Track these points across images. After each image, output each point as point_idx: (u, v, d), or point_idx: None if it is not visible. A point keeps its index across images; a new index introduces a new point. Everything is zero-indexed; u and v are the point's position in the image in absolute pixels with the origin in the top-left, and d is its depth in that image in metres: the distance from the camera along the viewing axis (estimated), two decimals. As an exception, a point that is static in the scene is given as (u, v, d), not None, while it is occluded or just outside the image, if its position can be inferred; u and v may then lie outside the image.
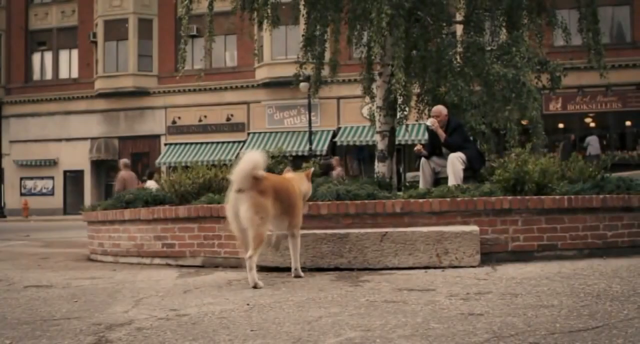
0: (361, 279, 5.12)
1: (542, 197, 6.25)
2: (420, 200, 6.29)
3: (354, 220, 6.23)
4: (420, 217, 6.17)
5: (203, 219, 6.68)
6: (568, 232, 6.22)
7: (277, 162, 9.46)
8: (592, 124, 28.71)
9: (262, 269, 5.92)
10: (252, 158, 4.78)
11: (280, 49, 29.57)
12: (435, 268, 5.56)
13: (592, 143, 25.77)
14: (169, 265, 6.86)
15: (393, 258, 5.73)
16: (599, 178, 7.11)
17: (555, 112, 28.22)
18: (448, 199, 6.28)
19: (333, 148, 29.43)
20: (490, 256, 6.00)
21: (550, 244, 6.17)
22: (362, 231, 5.89)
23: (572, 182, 7.52)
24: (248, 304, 3.98)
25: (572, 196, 6.29)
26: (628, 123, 28.51)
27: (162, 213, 6.98)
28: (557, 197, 6.26)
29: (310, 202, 6.47)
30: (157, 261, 7.06)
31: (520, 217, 6.14)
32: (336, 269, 5.78)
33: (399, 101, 10.84)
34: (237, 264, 6.38)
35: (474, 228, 5.83)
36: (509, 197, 6.21)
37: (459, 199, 6.24)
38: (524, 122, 11.44)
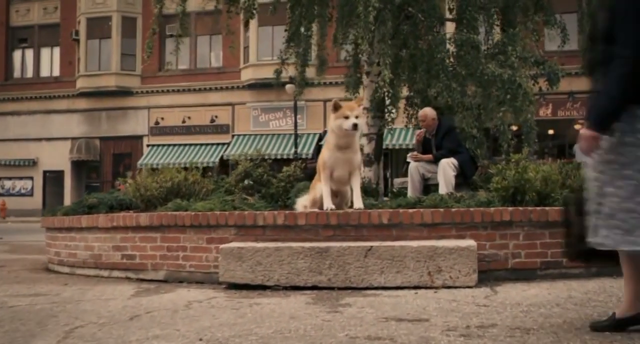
0: (342, 302, 4.42)
1: (547, 208, 5.58)
2: (410, 210, 5.60)
3: (336, 232, 5.51)
4: (410, 229, 5.47)
5: (167, 228, 5.95)
6: (574, 248, 5.55)
7: (255, 166, 8.80)
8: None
9: (230, 286, 5.24)
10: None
11: (266, 50, 28.84)
12: (426, 288, 4.88)
13: (578, 150, 25.17)
14: (128, 279, 6.13)
15: (379, 276, 5.04)
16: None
17: (545, 118, 27.69)
18: (441, 209, 5.59)
19: (319, 152, 28.67)
20: (488, 274, 5.32)
21: (555, 262, 5.49)
22: (345, 244, 5.19)
23: (574, 191, 6.90)
24: (201, 340, 3.27)
25: (580, 208, 5.62)
26: (618, 130, 28.06)
27: (121, 221, 6.25)
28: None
29: (287, 211, 5.82)
30: (116, 273, 6.33)
31: (522, 231, 5.46)
32: (314, 287, 5.08)
33: (387, 102, 10.20)
34: (203, 279, 5.68)
35: (471, 243, 5.14)
36: (510, 208, 5.53)
37: (453, 209, 5.55)
38: (514, 128, 10.82)
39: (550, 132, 28.56)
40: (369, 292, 4.83)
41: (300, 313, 4.00)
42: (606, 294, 4.47)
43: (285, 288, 5.06)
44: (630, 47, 3.05)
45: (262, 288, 5.12)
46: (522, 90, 8.79)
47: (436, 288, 4.90)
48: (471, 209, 5.57)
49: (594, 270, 5.57)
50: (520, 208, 5.56)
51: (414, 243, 5.15)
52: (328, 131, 5.81)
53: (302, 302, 4.45)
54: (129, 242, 6.21)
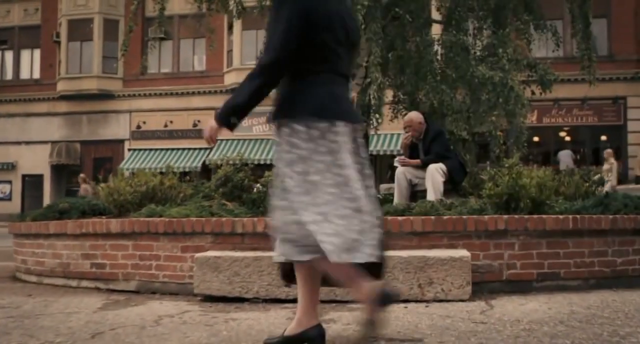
0: (325, 317, 4.07)
1: (544, 216, 5.27)
2: (399, 218, 5.27)
3: (319, 240, 5.16)
4: (398, 238, 5.12)
5: (139, 235, 5.57)
6: (572, 259, 5.24)
7: (236, 170, 8.45)
8: (567, 138, 28.13)
9: (206, 298, 4.87)
10: None
11: (250, 53, 28.41)
12: (416, 301, 4.54)
13: (563, 158, 24.99)
14: (98, 289, 5.74)
15: (365, 288, 4.69)
16: (603, 195, 6.18)
17: (530, 125, 27.45)
18: (432, 217, 5.26)
19: (303, 157, 28.31)
20: (482, 286, 4.99)
21: (552, 273, 5.18)
22: (329, 254, 4.84)
23: (568, 198, 6.63)
24: (166, 363, 2.91)
25: (578, 216, 5.31)
26: (603, 138, 27.94)
27: (91, 227, 5.86)
28: (561, 216, 5.28)
29: (267, 218, 5.45)
30: (85, 283, 5.93)
31: (518, 241, 5.14)
32: (296, 300, 4.71)
33: (372, 105, 9.88)
34: (177, 290, 5.30)
35: (465, 253, 4.80)
36: (505, 216, 5.21)
37: (445, 217, 5.22)
38: (499, 133, 10.54)
39: (536, 139, 28.42)
40: (354, 306, 4.48)
41: (280, 330, 3.64)
42: (611, 310, 4.15)
43: (265, 301, 4.71)
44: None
45: (240, 300, 4.76)
46: (514, 93, 8.49)
47: (427, 301, 4.56)
48: (464, 217, 5.24)
49: (592, 282, 5.29)
50: (516, 216, 5.24)
51: (404, 253, 4.81)
52: None
53: (283, 317, 4.09)
54: (98, 250, 5.82)
